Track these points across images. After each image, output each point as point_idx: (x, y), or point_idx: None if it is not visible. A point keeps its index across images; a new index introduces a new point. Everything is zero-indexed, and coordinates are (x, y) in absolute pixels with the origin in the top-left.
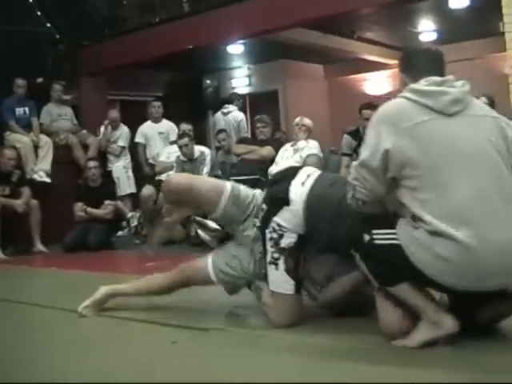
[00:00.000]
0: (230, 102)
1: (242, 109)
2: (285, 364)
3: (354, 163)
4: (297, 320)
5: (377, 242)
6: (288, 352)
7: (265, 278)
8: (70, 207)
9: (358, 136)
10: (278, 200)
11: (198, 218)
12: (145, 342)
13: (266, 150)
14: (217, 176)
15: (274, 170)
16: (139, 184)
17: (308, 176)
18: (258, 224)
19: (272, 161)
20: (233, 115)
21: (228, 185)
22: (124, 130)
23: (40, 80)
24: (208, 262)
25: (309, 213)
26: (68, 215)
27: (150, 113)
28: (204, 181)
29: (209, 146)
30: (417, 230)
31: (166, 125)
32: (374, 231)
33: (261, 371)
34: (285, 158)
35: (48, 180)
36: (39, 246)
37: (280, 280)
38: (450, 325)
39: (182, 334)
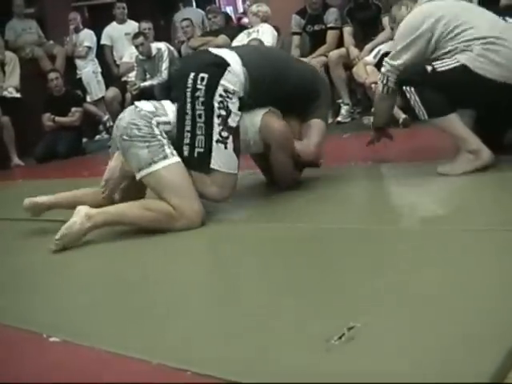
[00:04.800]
0: None
1: None
2: None
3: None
4: (232, 194)
5: (439, 69)
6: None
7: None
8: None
9: (305, 15)
10: (217, 64)
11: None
12: None
13: (221, 39)
14: (178, 70)
15: None
16: (110, 86)
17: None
18: (201, 97)
19: None
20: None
21: None
22: (87, 31)
23: None
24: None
25: (250, 71)
26: (42, 127)
27: (115, 14)
28: None
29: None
30: (471, 51)
31: (132, 25)
32: (434, 62)
33: None
34: (237, 43)
35: (18, 95)
36: (16, 160)
37: (228, 159)
38: (487, 156)
39: None
